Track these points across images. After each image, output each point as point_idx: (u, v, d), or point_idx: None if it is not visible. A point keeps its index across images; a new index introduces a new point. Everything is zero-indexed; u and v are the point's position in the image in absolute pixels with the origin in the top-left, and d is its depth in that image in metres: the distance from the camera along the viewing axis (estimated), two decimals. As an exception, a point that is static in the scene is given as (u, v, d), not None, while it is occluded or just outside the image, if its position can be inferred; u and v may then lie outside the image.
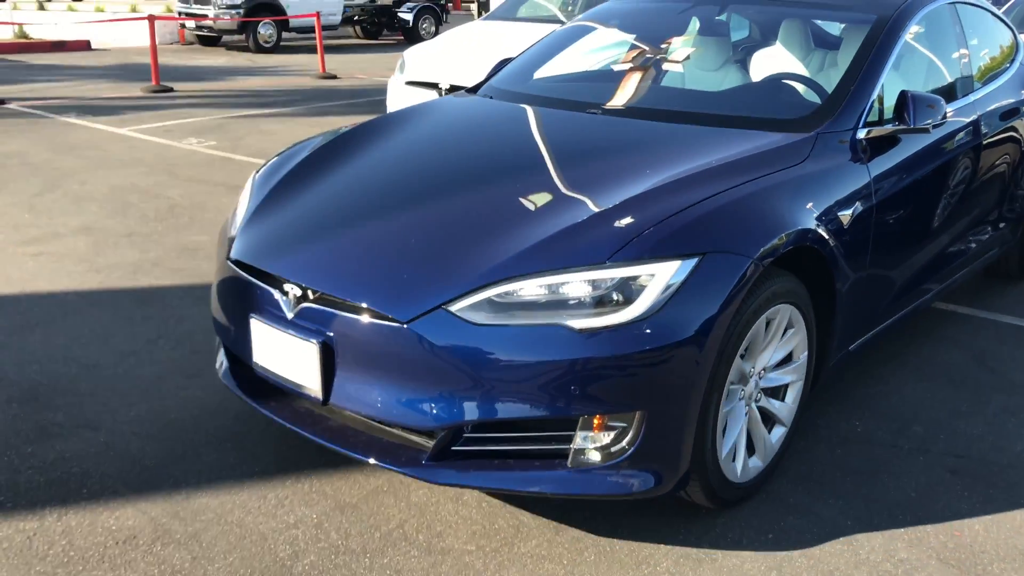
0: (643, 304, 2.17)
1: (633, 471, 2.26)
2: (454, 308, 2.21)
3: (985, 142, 3.71)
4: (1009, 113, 3.98)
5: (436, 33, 17.48)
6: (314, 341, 2.32)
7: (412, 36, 19.41)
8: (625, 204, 2.43)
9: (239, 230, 2.77)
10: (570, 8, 7.48)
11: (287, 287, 2.42)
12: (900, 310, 3.32)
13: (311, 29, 15.43)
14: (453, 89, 5.97)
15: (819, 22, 3.77)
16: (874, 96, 3.05)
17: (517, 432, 2.28)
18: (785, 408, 2.71)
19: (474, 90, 3.82)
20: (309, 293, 2.39)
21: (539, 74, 3.89)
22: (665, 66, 3.70)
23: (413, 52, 6.68)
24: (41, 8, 21.24)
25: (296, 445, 2.89)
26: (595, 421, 2.22)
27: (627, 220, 2.34)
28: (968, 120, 3.61)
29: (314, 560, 2.37)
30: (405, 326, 2.21)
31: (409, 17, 19.91)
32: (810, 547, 2.46)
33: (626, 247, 2.24)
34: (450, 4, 22.80)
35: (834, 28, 3.74)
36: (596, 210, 2.42)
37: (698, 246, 2.27)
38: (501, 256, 2.28)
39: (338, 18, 18.66)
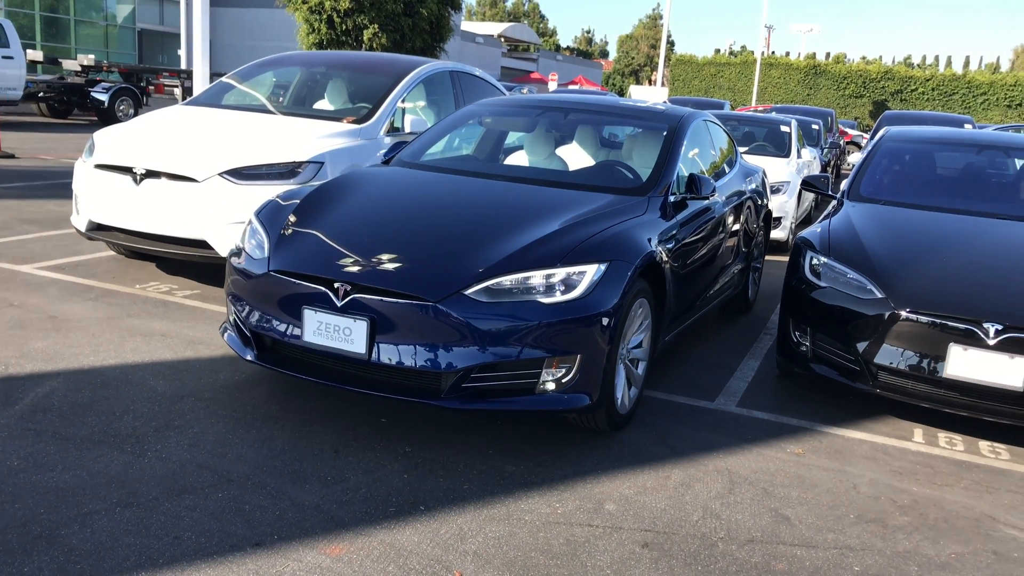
0: (580, 289, 3.56)
1: (574, 394, 3.56)
2: (466, 292, 3.45)
3: (726, 213, 5.44)
4: (738, 194, 5.90)
5: (135, 115, 16.51)
6: (364, 319, 3.42)
7: (108, 117, 18.31)
8: (557, 232, 3.84)
9: (271, 251, 3.81)
10: (280, 99, 7.42)
11: (336, 285, 3.50)
12: (689, 318, 4.91)
13: (-15, 103, 13.96)
14: (150, 174, 5.64)
15: (614, 128, 5.97)
16: (675, 175, 4.72)
17: (504, 372, 3.47)
18: (638, 373, 4.15)
19: (386, 162, 5.12)
20: (350, 288, 3.47)
21: (432, 152, 5.26)
22: (535, 149, 5.30)
23: (105, 134, 6.22)
24: None
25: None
26: (554, 362, 3.50)
27: (563, 241, 3.76)
28: (718, 197, 5.30)
29: None
30: (435, 304, 3.40)
31: (104, 98, 18.78)
32: (515, 633, 2.49)
33: (566, 256, 3.65)
34: (151, 87, 21.74)
35: (619, 132, 5.99)
36: (541, 235, 3.80)
37: (606, 257, 3.70)
38: (490, 261, 3.58)
39: (19, 93, 17.11)
